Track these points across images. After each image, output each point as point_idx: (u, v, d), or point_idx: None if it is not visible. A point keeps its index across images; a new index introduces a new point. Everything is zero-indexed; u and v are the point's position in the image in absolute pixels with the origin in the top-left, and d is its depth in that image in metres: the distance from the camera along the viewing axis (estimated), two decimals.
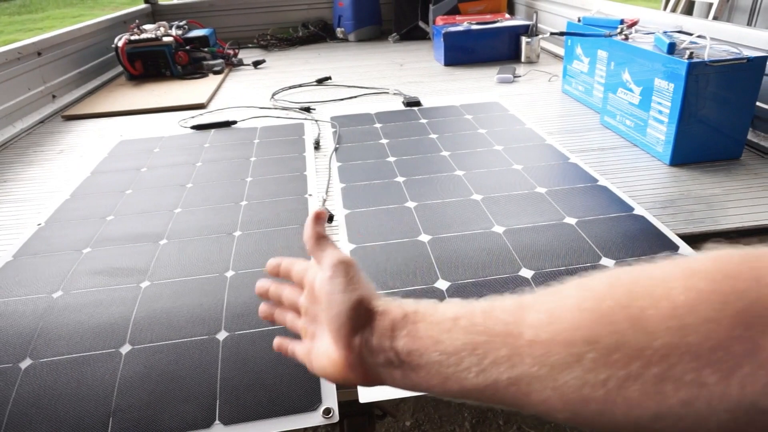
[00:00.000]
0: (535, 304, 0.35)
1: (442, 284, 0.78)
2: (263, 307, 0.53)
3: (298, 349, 0.49)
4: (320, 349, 0.44)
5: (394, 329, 0.39)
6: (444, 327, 0.37)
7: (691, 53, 1.03)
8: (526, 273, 0.79)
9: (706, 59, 1.02)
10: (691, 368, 0.27)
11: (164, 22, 2.27)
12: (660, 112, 1.11)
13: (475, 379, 0.34)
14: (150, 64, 2.10)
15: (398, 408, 1.79)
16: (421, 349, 0.37)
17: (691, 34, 1.17)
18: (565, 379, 0.31)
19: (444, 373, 0.36)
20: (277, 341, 0.52)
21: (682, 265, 0.30)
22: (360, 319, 0.41)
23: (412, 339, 0.38)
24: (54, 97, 1.88)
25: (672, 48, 1.08)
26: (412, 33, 2.66)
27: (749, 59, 1.02)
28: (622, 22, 1.37)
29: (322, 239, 0.46)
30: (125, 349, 0.70)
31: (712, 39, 1.10)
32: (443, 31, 2.05)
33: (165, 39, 2.09)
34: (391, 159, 1.20)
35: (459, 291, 0.76)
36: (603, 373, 0.29)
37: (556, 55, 2.16)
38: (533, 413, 0.33)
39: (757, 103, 1.14)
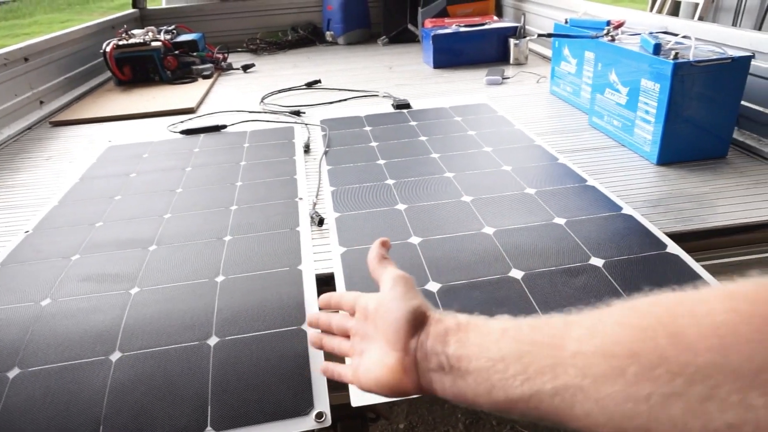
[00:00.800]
0: (580, 321, 0.36)
1: (433, 286, 0.78)
2: (312, 336, 0.58)
3: (344, 369, 0.52)
4: (371, 360, 0.47)
5: (447, 335, 0.42)
6: (493, 337, 0.39)
7: (677, 53, 1.05)
8: (517, 273, 0.79)
9: (691, 59, 1.03)
10: (736, 389, 0.26)
11: (153, 27, 2.26)
12: (647, 112, 1.12)
13: (521, 387, 0.35)
14: (138, 69, 2.09)
15: (392, 411, 1.79)
16: (470, 355, 0.39)
17: (676, 35, 1.18)
18: (608, 392, 0.31)
19: (491, 380, 0.37)
20: (324, 366, 0.55)
21: (722, 289, 0.31)
22: (417, 323, 0.44)
23: (462, 345, 0.40)
24: (41, 103, 1.87)
25: (657, 49, 1.09)
26: (401, 36, 2.67)
27: (733, 59, 1.04)
28: (608, 23, 1.38)
29: (384, 260, 0.52)
30: (115, 356, 0.70)
31: (697, 39, 1.11)
32: (432, 34, 2.06)
33: (153, 44, 2.08)
34: (381, 162, 1.21)
35: (450, 292, 0.76)
36: (646, 388, 0.29)
37: (544, 57, 2.17)
38: (577, 428, 0.33)
39: (742, 102, 1.16)
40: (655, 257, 0.81)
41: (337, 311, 0.56)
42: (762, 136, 1.16)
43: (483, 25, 2.12)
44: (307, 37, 2.81)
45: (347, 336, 0.53)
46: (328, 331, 0.56)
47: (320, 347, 0.56)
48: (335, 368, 0.53)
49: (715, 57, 1.04)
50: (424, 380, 0.43)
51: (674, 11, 4.31)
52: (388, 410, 1.78)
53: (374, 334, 0.48)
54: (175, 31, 2.33)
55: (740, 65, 1.05)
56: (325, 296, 0.58)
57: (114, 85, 2.10)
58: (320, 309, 0.57)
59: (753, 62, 1.12)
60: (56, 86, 1.99)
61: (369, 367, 0.47)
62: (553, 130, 1.38)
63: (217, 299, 0.78)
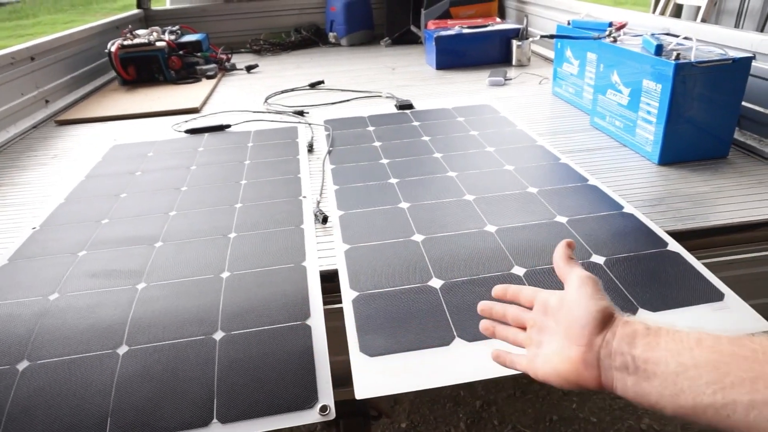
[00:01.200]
0: None
1: (436, 282, 0.79)
2: (485, 324, 0.59)
3: (517, 358, 0.54)
4: (551, 351, 0.49)
5: (635, 337, 0.43)
6: (686, 344, 0.40)
7: (678, 54, 1.05)
8: (519, 271, 0.80)
9: (692, 60, 1.04)
10: None
11: (157, 27, 2.28)
12: (648, 112, 1.13)
13: (713, 396, 0.36)
14: (143, 69, 2.11)
15: (393, 410, 1.79)
16: (660, 359, 0.40)
17: (677, 36, 1.19)
18: None
19: (679, 385, 0.38)
20: (495, 353, 0.56)
21: None
22: (604, 322, 0.45)
23: (651, 348, 0.41)
24: (47, 102, 1.88)
25: (659, 50, 1.10)
26: (404, 37, 2.68)
27: (734, 60, 1.04)
28: (610, 24, 1.39)
29: (571, 261, 0.53)
30: (122, 350, 0.71)
31: (698, 41, 1.12)
32: (435, 35, 2.07)
33: (158, 44, 2.09)
34: (385, 161, 1.22)
35: (453, 289, 0.77)
36: None
37: (546, 58, 2.18)
38: None
39: (743, 103, 1.16)
40: (656, 255, 0.81)
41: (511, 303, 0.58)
42: (763, 136, 1.16)
43: (486, 26, 2.13)
44: (310, 38, 2.82)
45: (522, 327, 0.55)
46: (501, 320, 0.57)
47: (492, 335, 0.58)
48: (507, 356, 0.55)
49: (716, 58, 1.05)
50: (604, 377, 0.44)
51: (676, 13, 4.32)
52: (390, 409, 1.79)
53: (554, 328, 0.49)
54: (179, 31, 2.35)
55: (741, 66, 1.06)
56: (501, 287, 0.59)
57: (119, 85, 2.12)
58: (495, 299, 0.59)
59: (754, 63, 1.13)
60: (62, 85, 2.00)
61: (548, 358, 0.49)
62: (555, 130, 1.38)
63: (223, 295, 0.79)
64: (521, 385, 1.86)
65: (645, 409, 0.42)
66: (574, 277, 0.50)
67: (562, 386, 0.48)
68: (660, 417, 1.72)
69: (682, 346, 0.40)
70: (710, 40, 1.26)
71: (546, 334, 0.50)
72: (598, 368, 0.44)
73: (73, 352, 0.70)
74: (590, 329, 0.45)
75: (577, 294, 0.48)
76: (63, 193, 1.17)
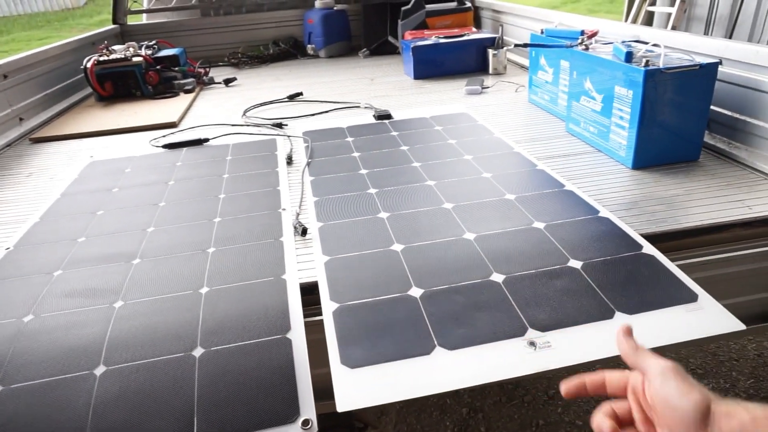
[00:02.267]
0: None
1: (416, 291, 0.79)
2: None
3: None
4: None
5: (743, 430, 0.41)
6: None
7: (647, 61, 1.08)
8: (497, 278, 0.81)
9: (661, 66, 1.06)
10: None
11: (133, 43, 2.26)
12: (621, 118, 1.15)
13: None
14: (120, 85, 2.09)
15: (380, 420, 1.78)
16: None
17: (647, 43, 1.22)
18: None
19: None
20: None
21: None
22: (704, 419, 0.43)
23: None
24: (21, 119, 1.86)
25: (629, 57, 1.12)
26: (382, 48, 2.70)
27: (701, 65, 1.07)
28: (582, 33, 1.41)
29: (639, 349, 0.49)
30: (99, 370, 0.69)
31: (667, 47, 1.15)
32: (412, 46, 2.09)
33: (135, 59, 2.08)
34: (364, 171, 1.22)
35: (432, 297, 0.78)
36: None
37: (522, 66, 2.21)
38: None
39: (712, 107, 1.19)
40: (631, 258, 0.83)
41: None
42: (732, 139, 1.19)
43: (462, 36, 2.15)
44: (288, 50, 2.83)
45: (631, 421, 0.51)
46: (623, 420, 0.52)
47: None
48: None
49: (684, 64, 1.08)
50: None
51: (648, 21, 4.43)
52: (377, 420, 1.78)
53: (659, 423, 0.47)
54: (156, 46, 2.34)
55: (708, 71, 1.08)
56: (576, 382, 0.53)
57: (95, 101, 2.10)
58: (569, 396, 0.54)
59: (721, 68, 1.16)
60: (36, 103, 1.98)
61: None
62: (531, 137, 1.40)
63: (202, 310, 0.79)
64: (507, 392, 1.86)
65: None
66: (653, 371, 0.47)
67: None
68: None
69: None
70: (679, 47, 1.29)
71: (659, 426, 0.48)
72: None
73: (48, 374, 0.69)
74: (693, 427, 0.43)
75: (666, 392, 0.45)
76: (38, 212, 1.15)
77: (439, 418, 1.77)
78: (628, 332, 0.52)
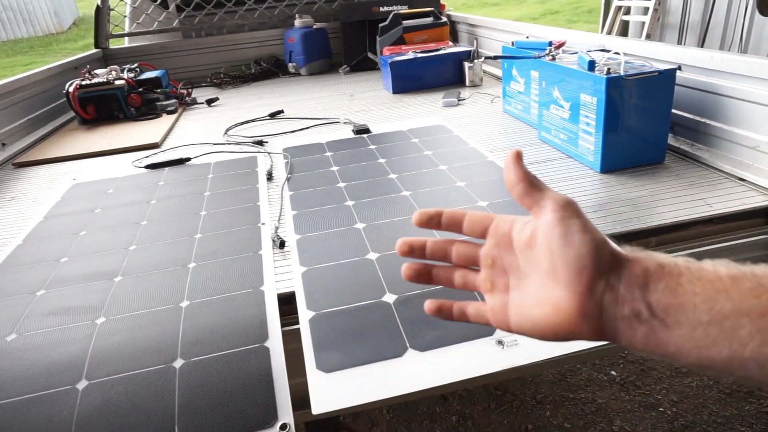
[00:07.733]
0: None
1: (390, 297, 0.82)
2: (411, 267, 0.46)
3: (474, 307, 0.44)
4: (530, 298, 0.40)
5: (648, 279, 0.35)
6: (718, 286, 0.33)
7: (609, 69, 1.13)
8: None
9: (622, 74, 1.11)
10: None
11: (116, 66, 2.29)
12: (588, 124, 1.19)
13: (759, 349, 0.31)
14: (102, 108, 2.11)
15: (371, 431, 1.79)
16: (686, 306, 0.33)
17: (608, 52, 1.27)
18: None
19: (712, 336, 0.32)
20: (433, 304, 0.45)
21: None
22: (604, 262, 0.37)
23: (673, 293, 0.34)
24: (4, 145, 1.87)
25: (592, 65, 1.17)
26: (362, 64, 2.75)
27: (660, 72, 1.12)
28: (550, 44, 1.46)
29: (534, 179, 0.42)
30: (82, 384, 0.71)
31: (627, 55, 1.20)
32: (390, 61, 2.14)
33: (117, 82, 2.11)
34: (342, 185, 1.25)
35: (405, 302, 0.80)
36: None
37: (498, 78, 2.26)
38: None
39: (675, 111, 1.24)
40: None
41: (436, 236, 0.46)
42: (694, 141, 1.24)
43: (438, 50, 2.21)
44: (270, 69, 2.87)
45: (468, 266, 0.44)
46: (436, 258, 0.45)
47: (425, 279, 0.46)
48: (454, 304, 0.44)
49: (644, 71, 1.12)
50: (607, 327, 0.36)
51: (624, 30, 4.53)
52: (368, 430, 1.79)
53: (528, 268, 0.40)
54: (138, 68, 2.37)
55: (667, 77, 1.13)
56: (425, 211, 0.46)
57: (78, 125, 2.12)
58: (418, 224, 0.45)
59: (680, 74, 1.21)
60: (19, 128, 1.99)
61: (524, 308, 0.40)
62: (505, 146, 1.44)
63: (182, 323, 0.81)
64: (495, 398, 1.88)
65: (659, 358, 0.36)
66: (551, 205, 0.40)
67: (544, 338, 0.40)
68: (631, 419, 1.76)
69: (713, 288, 0.33)
70: (641, 55, 1.34)
71: (516, 276, 0.42)
72: (600, 318, 0.36)
73: (31, 390, 0.71)
74: (590, 273, 0.36)
75: (563, 228, 0.38)
76: (21, 235, 1.17)
77: (429, 427, 1.78)
78: (518, 156, 0.44)
